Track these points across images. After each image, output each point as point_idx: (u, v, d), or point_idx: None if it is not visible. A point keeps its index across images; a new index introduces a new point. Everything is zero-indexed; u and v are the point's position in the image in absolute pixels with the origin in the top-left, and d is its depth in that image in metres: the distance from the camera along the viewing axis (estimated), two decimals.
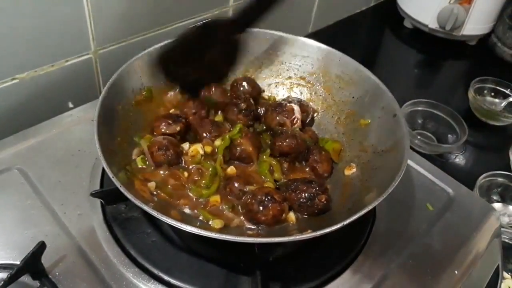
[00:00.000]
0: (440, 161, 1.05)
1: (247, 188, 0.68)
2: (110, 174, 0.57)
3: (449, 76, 1.42)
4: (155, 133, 0.73)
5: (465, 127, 1.07)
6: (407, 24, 1.49)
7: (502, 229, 0.81)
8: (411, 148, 0.96)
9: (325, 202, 0.66)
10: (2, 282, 0.55)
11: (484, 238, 0.75)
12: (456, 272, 0.69)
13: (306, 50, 0.85)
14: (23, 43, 0.77)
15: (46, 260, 0.59)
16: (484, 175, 0.98)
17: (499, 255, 0.78)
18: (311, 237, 0.55)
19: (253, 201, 0.64)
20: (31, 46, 0.79)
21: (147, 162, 0.69)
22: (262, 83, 0.87)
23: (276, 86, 0.88)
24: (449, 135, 1.10)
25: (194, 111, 0.77)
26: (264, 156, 0.73)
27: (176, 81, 0.79)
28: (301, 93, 0.86)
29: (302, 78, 0.86)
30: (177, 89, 0.80)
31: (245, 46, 0.82)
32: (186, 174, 0.70)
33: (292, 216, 0.66)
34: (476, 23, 1.35)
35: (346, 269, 0.66)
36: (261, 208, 0.63)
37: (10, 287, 0.55)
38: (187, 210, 0.66)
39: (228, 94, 0.82)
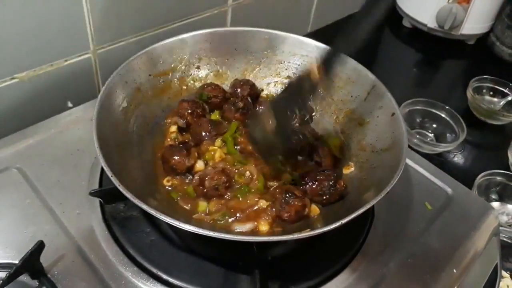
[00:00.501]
0: (438, 160, 1.05)
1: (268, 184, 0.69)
2: (109, 173, 0.57)
3: (447, 75, 1.42)
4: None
5: (464, 126, 1.07)
6: (406, 23, 1.49)
7: (500, 227, 0.81)
8: (410, 147, 0.96)
9: (345, 186, 0.68)
10: (1, 282, 0.55)
11: (482, 237, 0.76)
12: (454, 271, 0.69)
13: (304, 49, 0.85)
14: (22, 42, 0.77)
15: (45, 259, 0.59)
16: (482, 174, 0.98)
17: (497, 253, 0.78)
18: (309, 235, 0.55)
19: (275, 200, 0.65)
20: (30, 45, 0.78)
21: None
22: (261, 82, 0.87)
23: (275, 85, 0.88)
24: (447, 134, 1.10)
25: (190, 110, 0.77)
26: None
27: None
28: None
29: None
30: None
31: (245, 46, 0.82)
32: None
33: (315, 208, 0.67)
34: (474, 22, 1.35)
35: (345, 268, 0.66)
36: (284, 206, 0.64)
37: (9, 287, 0.55)
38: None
39: (221, 89, 0.82)
